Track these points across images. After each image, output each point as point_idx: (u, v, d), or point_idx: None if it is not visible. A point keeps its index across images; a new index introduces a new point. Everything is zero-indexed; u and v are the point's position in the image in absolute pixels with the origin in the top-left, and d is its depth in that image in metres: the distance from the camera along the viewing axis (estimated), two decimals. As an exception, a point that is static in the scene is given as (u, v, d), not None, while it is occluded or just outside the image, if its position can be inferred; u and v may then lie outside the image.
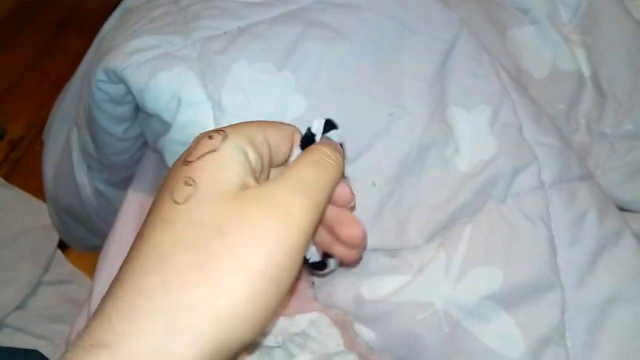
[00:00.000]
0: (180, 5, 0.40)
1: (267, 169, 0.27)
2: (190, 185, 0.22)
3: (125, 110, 0.40)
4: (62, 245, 0.88)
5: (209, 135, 0.24)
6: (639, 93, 0.40)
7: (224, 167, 0.23)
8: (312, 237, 0.24)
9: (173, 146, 0.36)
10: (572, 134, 0.40)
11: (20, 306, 0.81)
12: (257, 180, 0.24)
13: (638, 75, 0.40)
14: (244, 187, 0.23)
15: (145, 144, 0.45)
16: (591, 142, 0.40)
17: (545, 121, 0.37)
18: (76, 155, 0.51)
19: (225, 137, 0.24)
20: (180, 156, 0.25)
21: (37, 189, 0.75)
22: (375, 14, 0.36)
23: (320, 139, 0.28)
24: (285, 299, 0.28)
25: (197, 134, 0.35)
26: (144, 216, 0.42)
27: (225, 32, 0.37)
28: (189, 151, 0.24)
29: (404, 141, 0.35)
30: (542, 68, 0.42)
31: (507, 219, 0.34)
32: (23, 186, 0.90)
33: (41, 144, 0.61)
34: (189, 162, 0.23)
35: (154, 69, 0.35)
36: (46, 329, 0.80)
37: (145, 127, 0.41)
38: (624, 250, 0.33)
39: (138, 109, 0.40)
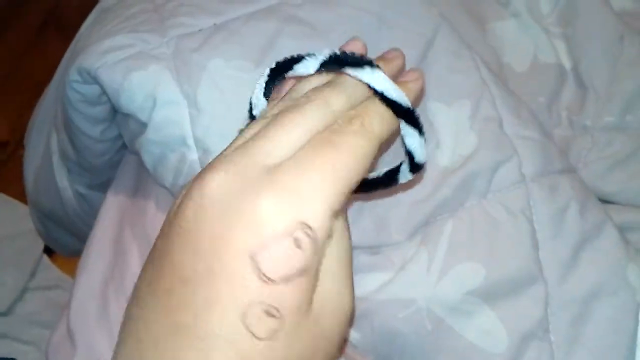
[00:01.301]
0: (156, 3, 0.39)
1: None
2: (275, 317, 0.17)
3: (101, 110, 0.39)
4: (49, 250, 0.87)
5: (294, 237, 0.18)
6: (618, 84, 0.39)
7: (310, 289, 0.18)
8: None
9: (149, 146, 0.35)
10: (554, 128, 0.40)
11: (7, 312, 0.80)
12: None
13: (616, 67, 0.40)
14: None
15: (125, 145, 0.44)
16: (573, 135, 0.40)
17: (525, 115, 0.36)
18: (56, 158, 0.51)
19: (316, 245, 0.18)
20: (236, 241, 0.18)
21: (21, 194, 0.74)
22: (352, 9, 0.36)
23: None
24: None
25: (173, 134, 0.35)
26: (124, 219, 0.42)
27: (200, 30, 0.36)
28: (269, 257, 0.18)
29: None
30: (522, 61, 0.42)
31: (489, 214, 0.33)
32: (7, 191, 0.89)
33: (24, 148, 0.60)
34: (269, 280, 0.17)
35: (128, 68, 0.34)
36: (33, 334, 0.80)
37: (122, 128, 0.40)
38: (606, 242, 0.33)
39: (115, 110, 0.39)
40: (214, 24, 0.36)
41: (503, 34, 0.43)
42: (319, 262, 0.19)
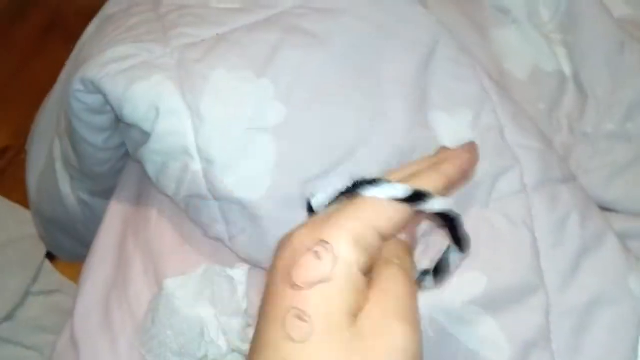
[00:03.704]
0: (159, 13, 0.39)
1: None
2: (305, 321, 0.21)
3: (105, 119, 0.40)
4: (51, 255, 0.87)
5: (314, 250, 0.22)
6: (619, 92, 0.40)
7: (337, 299, 0.21)
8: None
9: (152, 156, 0.35)
10: (555, 135, 0.40)
11: (9, 317, 0.80)
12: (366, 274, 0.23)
13: (618, 74, 0.40)
14: (354, 312, 0.22)
15: (127, 153, 0.44)
16: (573, 143, 0.40)
17: (526, 123, 0.37)
18: (59, 165, 0.51)
19: (336, 260, 0.22)
20: (280, 266, 0.22)
21: (23, 199, 0.75)
22: (354, 18, 0.36)
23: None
24: None
25: (176, 143, 0.36)
26: (127, 227, 0.42)
27: (203, 40, 0.36)
28: (295, 267, 0.22)
29: (385, 147, 0.34)
30: (523, 68, 0.42)
31: (490, 223, 0.34)
32: (9, 196, 0.89)
33: (26, 153, 0.60)
34: (298, 287, 0.21)
35: (132, 78, 0.34)
36: (36, 339, 0.80)
37: (126, 137, 0.40)
38: (606, 251, 0.33)
39: (118, 119, 0.39)
40: (217, 34, 0.36)
41: (504, 41, 0.43)
42: (348, 278, 0.22)
